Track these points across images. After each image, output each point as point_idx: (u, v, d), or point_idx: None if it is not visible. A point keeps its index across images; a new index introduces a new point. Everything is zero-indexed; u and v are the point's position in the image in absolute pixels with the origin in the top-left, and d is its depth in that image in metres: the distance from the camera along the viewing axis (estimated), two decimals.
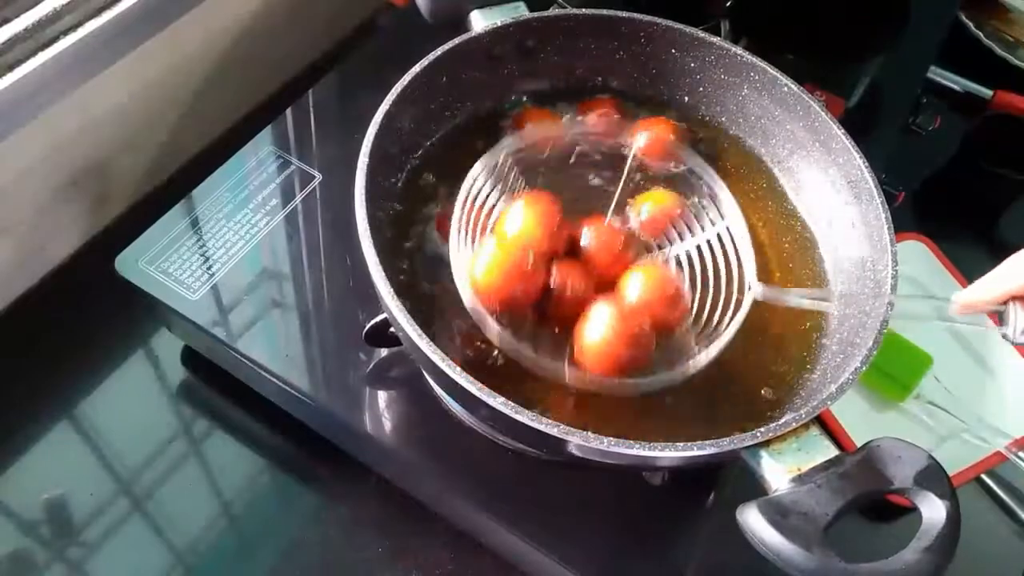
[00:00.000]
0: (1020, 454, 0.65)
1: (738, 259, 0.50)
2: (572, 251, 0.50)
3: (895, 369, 0.67)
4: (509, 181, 0.50)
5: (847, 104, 0.74)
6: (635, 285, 0.48)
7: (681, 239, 0.52)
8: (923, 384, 0.67)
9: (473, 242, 0.48)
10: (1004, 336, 0.43)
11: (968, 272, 0.80)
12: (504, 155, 0.50)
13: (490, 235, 0.49)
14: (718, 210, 0.51)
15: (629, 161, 0.53)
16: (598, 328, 0.45)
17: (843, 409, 0.65)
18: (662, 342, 0.47)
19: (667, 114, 0.60)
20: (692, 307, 0.49)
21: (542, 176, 0.53)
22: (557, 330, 0.48)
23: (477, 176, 0.49)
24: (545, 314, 0.48)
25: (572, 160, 0.54)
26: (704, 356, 0.46)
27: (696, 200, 0.53)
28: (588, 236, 0.50)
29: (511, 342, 0.45)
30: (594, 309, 0.46)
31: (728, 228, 0.51)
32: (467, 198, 0.48)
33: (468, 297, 0.46)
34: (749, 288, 0.49)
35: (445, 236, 0.49)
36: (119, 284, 0.58)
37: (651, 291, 0.47)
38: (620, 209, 0.52)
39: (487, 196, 0.49)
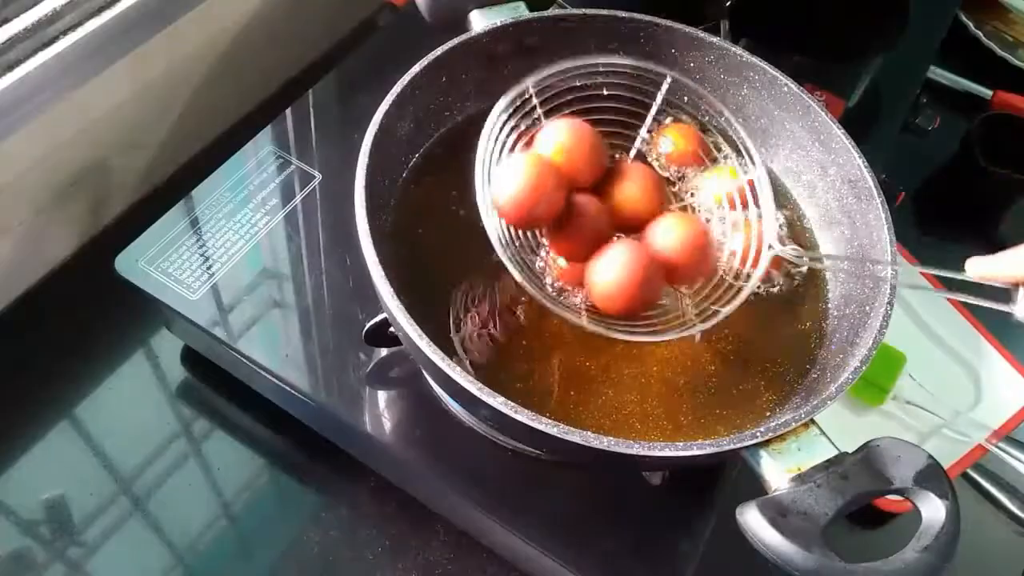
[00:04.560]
0: (1000, 445, 0.65)
1: (758, 216, 0.49)
2: (596, 189, 0.48)
3: (871, 372, 0.66)
4: (534, 114, 0.49)
5: (847, 104, 0.74)
6: (668, 230, 0.46)
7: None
8: (899, 383, 0.67)
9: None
10: (1011, 315, 0.43)
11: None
12: (531, 85, 0.49)
13: (518, 152, 0.47)
14: (744, 162, 0.51)
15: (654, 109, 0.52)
16: (618, 265, 0.44)
17: (822, 418, 0.65)
18: (676, 297, 0.47)
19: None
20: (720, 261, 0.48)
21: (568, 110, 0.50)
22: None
23: (504, 107, 0.48)
24: (559, 246, 0.47)
25: (604, 94, 0.52)
26: (722, 312, 0.46)
27: (721, 152, 0.53)
28: (620, 173, 0.48)
29: (526, 276, 0.44)
30: (617, 245, 0.45)
31: (754, 181, 0.50)
32: (494, 127, 0.47)
33: (490, 221, 0.45)
34: (769, 247, 0.48)
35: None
36: (119, 284, 0.58)
37: (683, 239, 0.46)
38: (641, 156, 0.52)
39: (513, 126, 0.48)
